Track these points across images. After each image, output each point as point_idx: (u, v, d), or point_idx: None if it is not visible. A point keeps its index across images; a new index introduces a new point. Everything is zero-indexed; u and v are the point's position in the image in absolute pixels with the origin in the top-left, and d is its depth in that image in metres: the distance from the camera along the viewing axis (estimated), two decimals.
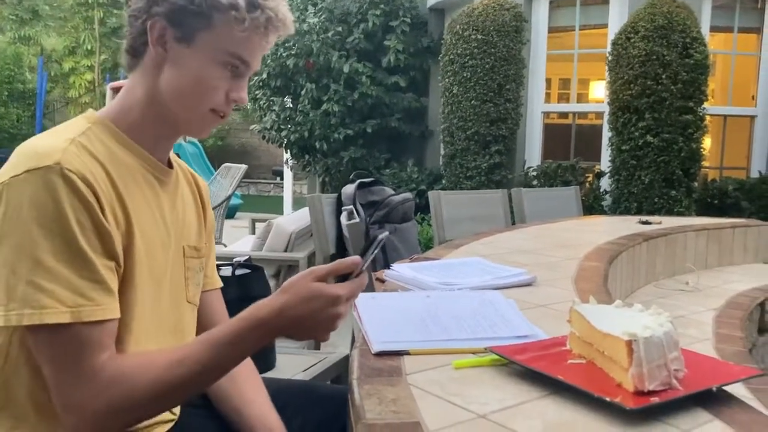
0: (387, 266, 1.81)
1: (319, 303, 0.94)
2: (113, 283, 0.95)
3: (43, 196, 0.89)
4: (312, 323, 0.96)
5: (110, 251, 0.94)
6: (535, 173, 5.80)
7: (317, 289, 0.94)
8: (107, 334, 0.93)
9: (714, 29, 5.82)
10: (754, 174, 5.72)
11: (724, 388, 0.91)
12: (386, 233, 1.21)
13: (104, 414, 0.91)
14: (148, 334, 1.04)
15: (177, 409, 1.18)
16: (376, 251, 1.01)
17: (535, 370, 0.97)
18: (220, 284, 1.29)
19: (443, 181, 6.11)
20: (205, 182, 1.27)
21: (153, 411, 1.00)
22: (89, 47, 16.62)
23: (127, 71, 1.08)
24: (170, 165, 1.14)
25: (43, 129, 11.28)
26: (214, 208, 6.42)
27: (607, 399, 0.85)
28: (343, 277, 0.98)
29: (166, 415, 1.13)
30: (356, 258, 0.98)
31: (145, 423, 1.07)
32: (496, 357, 1.03)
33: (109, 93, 1.77)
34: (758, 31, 5.90)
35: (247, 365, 1.24)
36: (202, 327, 1.18)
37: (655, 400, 0.85)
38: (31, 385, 0.95)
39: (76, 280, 0.90)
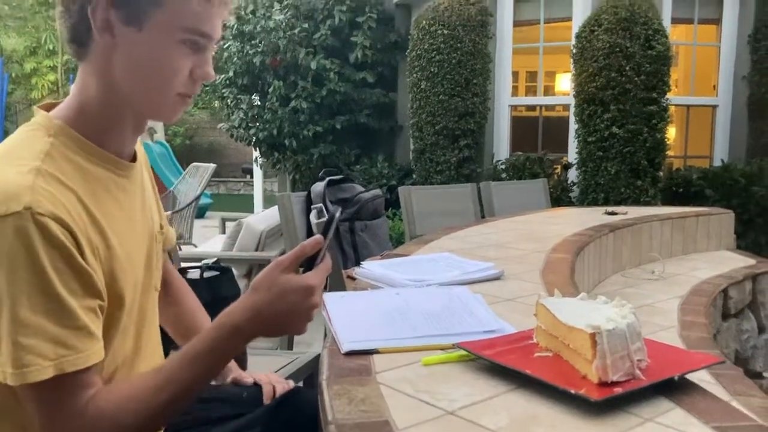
0: (358, 264, 1.82)
1: (293, 297, 0.91)
2: (95, 324, 0.90)
3: (15, 247, 0.82)
4: (288, 318, 0.93)
5: (92, 290, 0.89)
6: (503, 166, 5.85)
7: (288, 282, 0.91)
8: (92, 374, 0.89)
9: (675, 21, 5.91)
10: (717, 162, 5.83)
11: (686, 376, 0.94)
12: (339, 209, 1.20)
13: None
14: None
15: None
16: (333, 229, 0.98)
17: (502, 365, 0.98)
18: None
19: (413, 176, 6.13)
20: (142, 148, 1.16)
21: None
22: (51, 47, 16.26)
23: (77, 60, 0.98)
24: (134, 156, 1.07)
25: (5, 132, 11.01)
26: (183, 208, 6.33)
27: (572, 391, 0.86)
28: (307, 262, 0.94)
29: None
30: (318, 237, 0.93)
31: None
32: (465, 352, 1.04)
33: None
34: (717, 22, 6.01)
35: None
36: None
37: (618, 390, 0.87)
38: (25, 426, 0.92)
39: (57, 330, 0.84)
